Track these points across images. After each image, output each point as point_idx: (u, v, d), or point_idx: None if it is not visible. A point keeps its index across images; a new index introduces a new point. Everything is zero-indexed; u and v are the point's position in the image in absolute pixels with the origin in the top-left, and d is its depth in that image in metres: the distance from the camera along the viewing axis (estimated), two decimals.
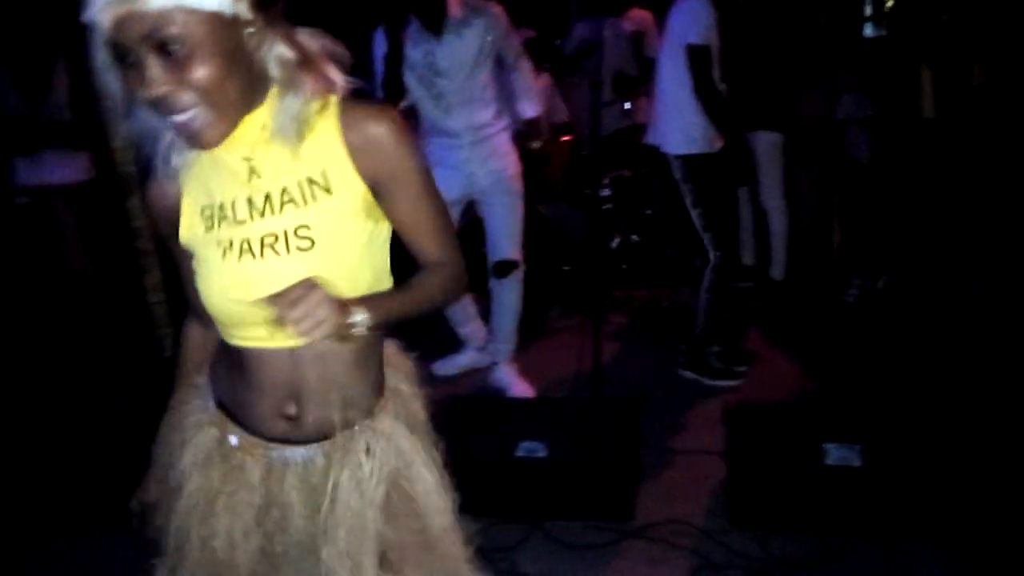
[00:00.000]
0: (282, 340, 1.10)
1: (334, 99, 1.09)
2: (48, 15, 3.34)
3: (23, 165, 3.50)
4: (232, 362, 1.19)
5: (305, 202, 1.08)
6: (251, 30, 1.01)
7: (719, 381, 3.48)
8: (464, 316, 3.68)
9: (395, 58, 3.17)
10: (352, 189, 1.09)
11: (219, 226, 1.11)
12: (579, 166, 4.55)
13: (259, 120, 1.06)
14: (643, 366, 3.79)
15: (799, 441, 2.51)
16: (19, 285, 3.74)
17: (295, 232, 1.08)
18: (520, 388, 3.48)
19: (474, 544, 2.37)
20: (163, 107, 0.98)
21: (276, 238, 1.08)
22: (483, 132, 3.34)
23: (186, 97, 0.97)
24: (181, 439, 1.24)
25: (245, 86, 1.02)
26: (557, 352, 3.89)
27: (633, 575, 2.35)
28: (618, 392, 3.29)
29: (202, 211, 1.13)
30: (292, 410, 1.16)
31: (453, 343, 3.78)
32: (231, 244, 1.10)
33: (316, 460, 1.17)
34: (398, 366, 1.32)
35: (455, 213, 3.48)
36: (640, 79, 4.83)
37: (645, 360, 3.86)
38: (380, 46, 3.23)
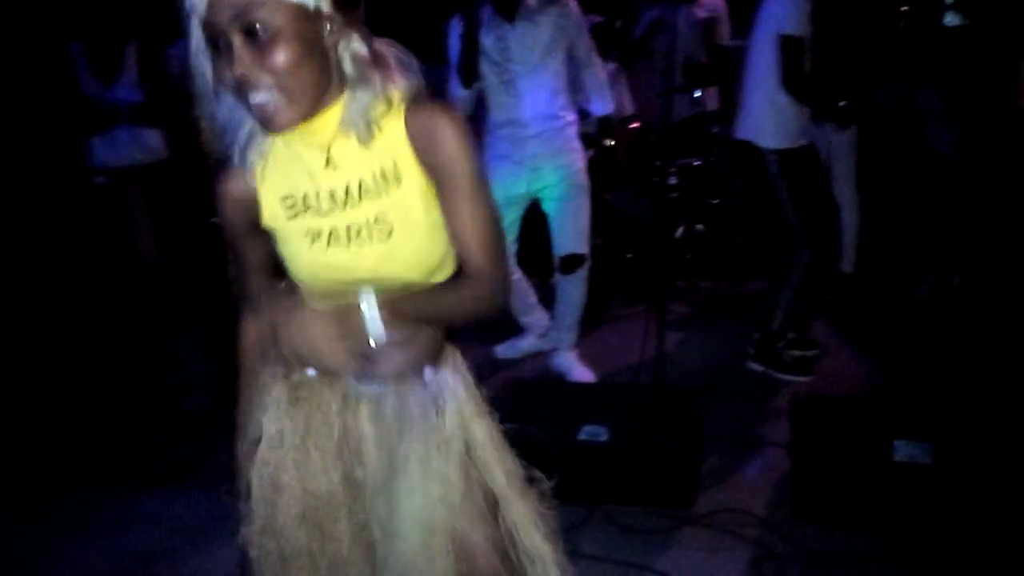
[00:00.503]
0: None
1: (400, 95, 1.16)
2: None
3: (99, 145, 3.64)
4: None
5: (380, 194, 1.16)
6: (331, 26, 1.09)
7: (790, 375, 3.43)
8: (525, 307, 3.70)
9: (470, 43, 3.20)
10: (416, 177, 1.16)
11: (304, 215, 1.20)
12: (646, 154, 4.52)
13: (335, 116, 1.14)
14: (706, 356, 3.76)
15: (867, 436, 2.47)
16: (89, 264, 3.91)
17: (375, 221, 1.17)
18: (581, 373, 3.50)
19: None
20: (244, 87, 1.06)
21: (360, 228, 1.17)
22: (551, 123, 3.34)
23: (265, 78, 1.05)
24: (261, 397, 1.32)
25: (320, 77, 1.10)
26: (619, 340, 3.89)
27: (692, 561, 2.35)
28: (680, 381, 3.28)
29: (283, 200, 1.20)
30: (366, 351, 1.24)
31: (515, 327, 3.82)
32: (319, 234, 1.19)
33: (388, 396, 1.25)
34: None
35: (519, 209, 3.50)
36: (710, 66, 4.77)
37: (708, 350, 3.84)
38: (456, 32, 3.27)
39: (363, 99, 1.12)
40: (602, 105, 3.61)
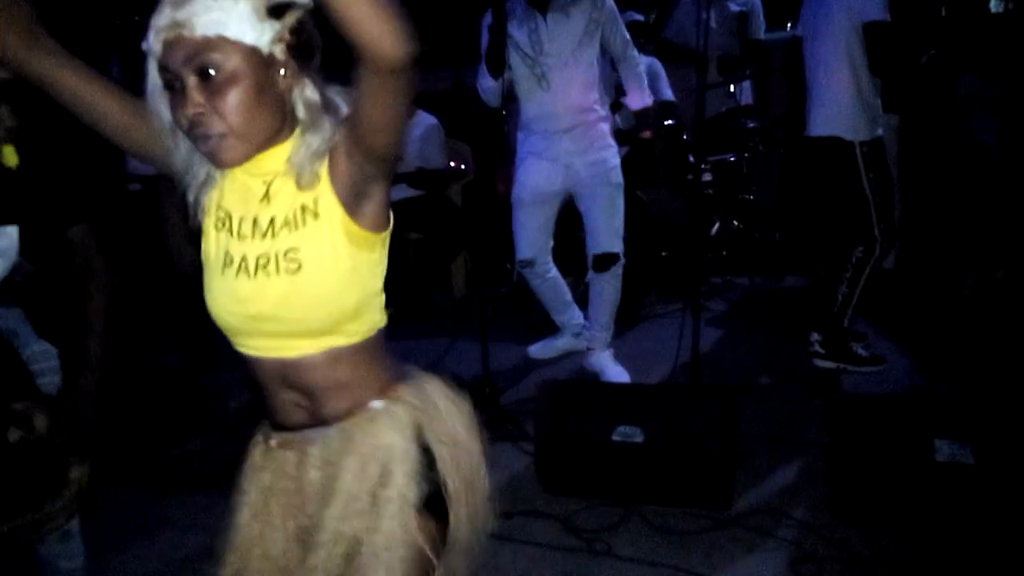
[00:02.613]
0: (274, 352, 1.20)
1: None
2: (152, 13, 3.53)
3: None
4: (250, 368, 1.26)
5: (297, 227, 1.15)
6: (284, 72, 1.11)
7: (867, 368, 3.39)
8: (560, 304, 3.70)
9: (499, 32, 3.21)
10: (334, 214, 1.14)
11: (221, 231, 1.21)
12: (681, 150, 4.49)
13: (283, 153, 1.15)
14: (742, 354, 3.73)
15: (908, 436, 2.42)
16: (125, 268, 3.97)
17: (285, 255, 1.15)
18: (615, 373, 3.49)
19: (572, 523, 2.42)
20: (195, 126, 1.09)
21: (268, 259, 1.16)
22: (583, 116, 3.33)
23: (216, 119, 1.08)
24: (252, 447, 1.33)
25: (271, 120, 1.12)
26: (654, 339, 3.87)
27: (730, 562, 2.33)
28: (716, 380, 3.25)
29: (217, 208, 1.22)
30: (304, 402, 1.24)
31: (549, 326, 3.81)
32: (231, 259, 1.18)
33: (333, 439, 1.22)
34: (435, 383, 1.29)
35: (554, 206, 3.50)
36: (745, 60, 4.72)
37: (744, 348, 3.80)
38: (487, 24, 3.29)
39: (313, 144, 1.13)
40: (639, 99, 3.59)
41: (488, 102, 3.45)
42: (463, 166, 4.84)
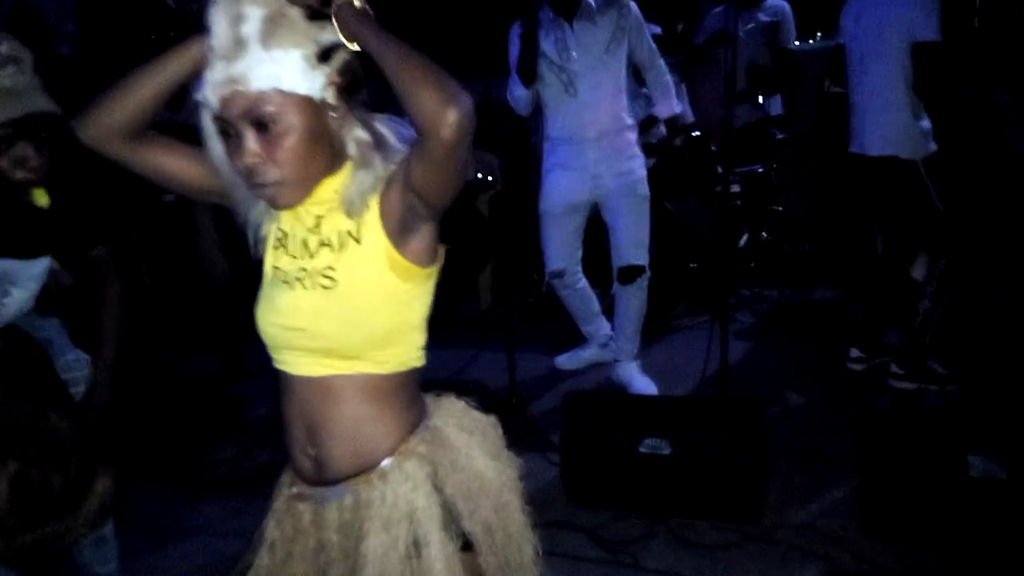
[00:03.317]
0: (304, 368, 1.22)
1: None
2: (187, 29, 3.60)
3: None
4: (283, 401, 1.27)
5: (339, 248, 1.18)
6: (335, 114, 1.14)
7: (949, 386, 3.26)
8: (588, 314, 3.70)
9: (530, 42, 3.24)
10: (377, 242, 1.16)
11: (277, 250, 1.26)
12: (708, 162, 4.47)
13: (335, 184, 1.18)
14: (771, 367, 3.69)
15: (941, 451, 2.39)
16: (160, 277, 4.03)
17: (322, 272, 1.18)
18: (642, 385, 3.47)
19: (598, 535, 2.42)
20: (251, 174, 1.12)
21: (306, 274, 1.20)
22: (611, 125, 3.34)
23: (271, 168, 1.12)
24: (278, 488, 1.35)
25: (324, 161, 1.16)
26: (682, 351, 3.85)
27: None
28: (744, 392, 3.23)
29: (277, 229, 1.26)
30: (311, 450, 1.24)
31: (576, 337, 3.81)
32: (279, 275, 1.23)
33: (347, 499, 1.23)
34: (454, 415, 1.33)
35: (583, 216, 3.51)
36: (775, 71, 4.69)
37: (773, 361, 3.76)
38: (515, 34, 3.32)
39: (365, 181, 1.15)
40: (667, 106, 3.60)
41: (518, 111, 3.48)
42: (490, 177, 4.87)
